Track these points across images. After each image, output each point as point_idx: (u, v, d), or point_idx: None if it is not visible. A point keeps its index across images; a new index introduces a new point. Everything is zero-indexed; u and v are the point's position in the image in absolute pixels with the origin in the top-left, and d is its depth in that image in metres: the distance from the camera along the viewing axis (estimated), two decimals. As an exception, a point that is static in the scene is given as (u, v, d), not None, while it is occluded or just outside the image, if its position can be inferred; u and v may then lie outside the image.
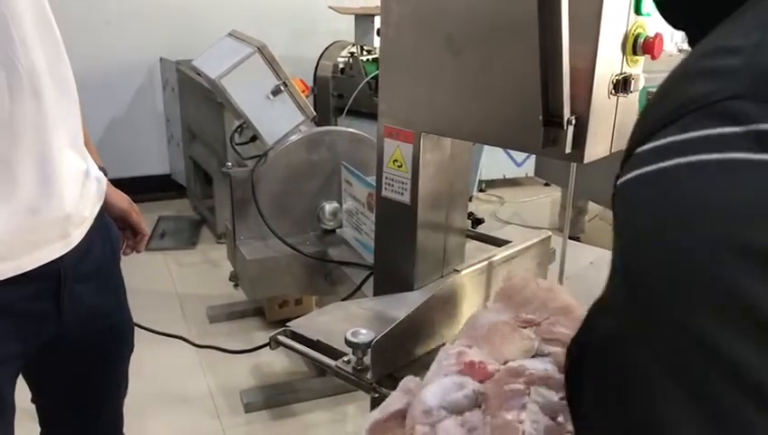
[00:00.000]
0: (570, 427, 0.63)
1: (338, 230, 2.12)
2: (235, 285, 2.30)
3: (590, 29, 0.86)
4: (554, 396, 0.67)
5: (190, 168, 3.60)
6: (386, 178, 1.15)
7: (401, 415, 0.70)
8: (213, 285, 2.87)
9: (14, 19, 0.83)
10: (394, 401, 0.72)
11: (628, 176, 0.38)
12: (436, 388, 0.70)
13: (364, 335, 0.89)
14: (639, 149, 0.37)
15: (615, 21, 0.89)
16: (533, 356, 0.73)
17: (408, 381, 0.74)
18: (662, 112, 0.37)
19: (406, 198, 1.13)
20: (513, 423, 0.63)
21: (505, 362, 0.72)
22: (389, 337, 0.89)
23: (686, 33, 0.52)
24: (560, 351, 0.72)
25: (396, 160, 1.13)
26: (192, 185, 3.64)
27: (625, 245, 0.38)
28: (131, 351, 1.21)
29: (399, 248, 1.15)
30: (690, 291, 0.33)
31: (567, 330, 0.75)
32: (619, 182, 0.40)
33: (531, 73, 0.87)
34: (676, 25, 0.53)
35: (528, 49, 0.86)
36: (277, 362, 2.34)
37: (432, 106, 1.06)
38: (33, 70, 0.86)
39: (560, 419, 0.65)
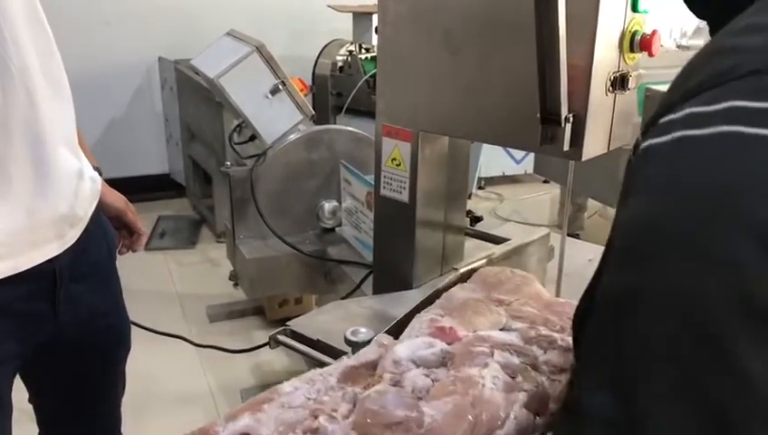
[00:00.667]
0: (526, 386, 0.71)
1: (337, 229, 2.12)
2: (235, 285, 2.30)
3: (586, 26, 0.86)
4: (515, 359, 0.74)
5: (189, 167, 3.60)
6: (384, 176, 1.15)
7: (373, 365, 0.75)
8: (213, 285, 2.87)
9: (7, 19, 0.83)
10: (368, 352, 0.78)
11: (652, 141, 0.39)
12: (407, 344, 0.77)
13: (363, 334, 0.89)
14: (663, 119, 0.39)
15: (612, 18, 0.89)
16: (501, 330, 0.81)
17: (382, 338, 0.79)
18: (688, 85, 0.38)
19: (404, 197, 1.13)
20: (475, 377, 0.70)
21: (474, 332, 0.78)
22: (389, 336, 0.89)
23: (709, 23, 0.54)
24: (526, 327, 0.80)
25: (394, 159, 1.13)
26: (191, 184, 3.64)
27: (638, 201, 0.39)
28: (128, 350, 1.21)
29: (398, 247, 1.16)
30: (696, 261, 0.34)
31: (535, 310, 0.83)
32: (641, 147, 0.41)
33: (528, 71, 0.87)
34: (700, 14, 0.55)
35: (526, 47, 0.86)
36: (277, 362, 2.34)
37: (430, 105, 1.06)
38: (25, 69, 0.86)
39: (518, 378, 0.72)
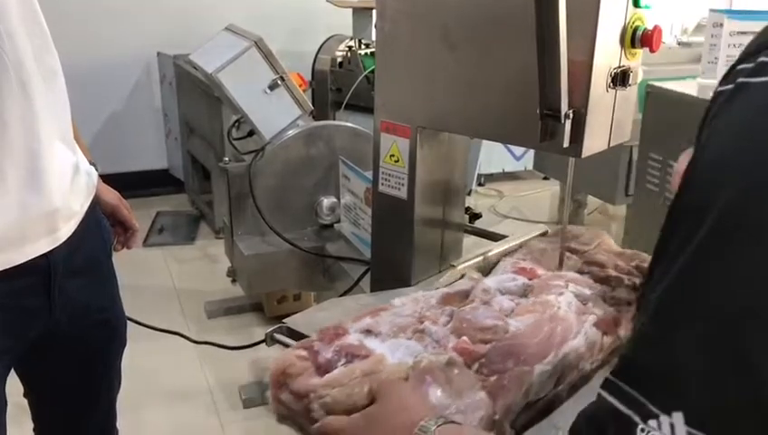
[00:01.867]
0: (596, 311, 0.86)
1: (336, 225, 2.11)
2: (233, 281, 2.29)
3: (587, 21, 0.85)
4: (587, 291, 0.90)
5: (188, 163, 3.59)
6: (382, 173, 1.14)
7: (465, 294, 0.92)
8: (211, 281, 2.86)
9: (1, 13, 0.82)
10: (461, 283, 0.95)
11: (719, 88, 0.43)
12: (494, 278, 0.95)
13: (360, 332, 0.89)
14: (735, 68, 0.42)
15: (613, 13, 0.88)
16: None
17: (472, 273, 0.98)
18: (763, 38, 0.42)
19: (403, 194, 1.12)
20: (552, 302, 0.86)
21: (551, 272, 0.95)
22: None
23: None
24: (597, 269, 0.96)
25: (392, 155, 1.12)
26: (190, 180, 3.63)
27: (717, 132, 0.42)
28: (124, 346, 1.20)
29: (396, 244, 1.15)
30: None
31: (605, 257, 0.99)
32: (718, 90, 0.45)
33: (528, 67, 0.86)
34: None
35: (525, 42, 0.85)
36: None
37: (429, 101, 1.05)
38: (20, 63, 0.85)
39: (589, 304, 0.88)
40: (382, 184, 1.15)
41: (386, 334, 0.80)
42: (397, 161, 1.12)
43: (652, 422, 0.38)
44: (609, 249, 1.03)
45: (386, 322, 0.82)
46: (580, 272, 0.96)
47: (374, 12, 3.20)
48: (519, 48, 0.90)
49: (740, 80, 0.42)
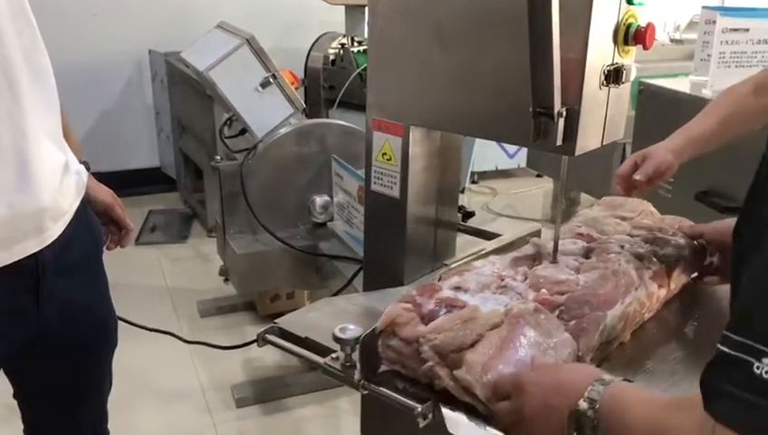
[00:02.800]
0: (651, 266, 0.99)
1: (329, 224, 2.10)
2: (225, 280, 2.28)
3: (580, 19, 0.85)
4: (642, 248, 1.03)
5: (180, 161, 3.57)
6: (375, 171, 1.13)
7: (532, 257, 1.04)
8: (204, 280, 2.85)
9: None
10: (527, 248, 1.07)
11: None
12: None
13: (352, 331, 0.88)
14: None
15: (606, 10, 0.87)
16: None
17: (536, 240, 1.09)
18: None
19: (395, 192, 1.11)
20: (613, 259, 0.98)
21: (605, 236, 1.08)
22: (377, 333, 0.87)
23: None
24: (646, 232, 1.09)
25: (385, 154, 1.11)
26: (182, 178, 3.61)
27: None
28: (115, 345, 1.19)
29: (389, 243, 1.14)
30: None
31: (651, 222, 1.12)
32: None
33: (521, 65, 0.85)
34: None
35: (518, 40, 0.85)
36: (269, 357, 2.33)
37: (421, 98, 1.04)
38: (8, 62, 0.84)
39: (644, 261, 1.00)
40: (375, 182, 1.14)
41: (473, 290, 0.93)
42: (389, 160, 1.11)
43: (765, 360, 0.48)
44: (653, 215, 1.17)
45: (471, 280, 0.95)
46: (630, 236, 1.08)
47: (367, 9, 3.19)
48: (512, 46, 0.89)
49: None
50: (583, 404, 0.63)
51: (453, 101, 1.00)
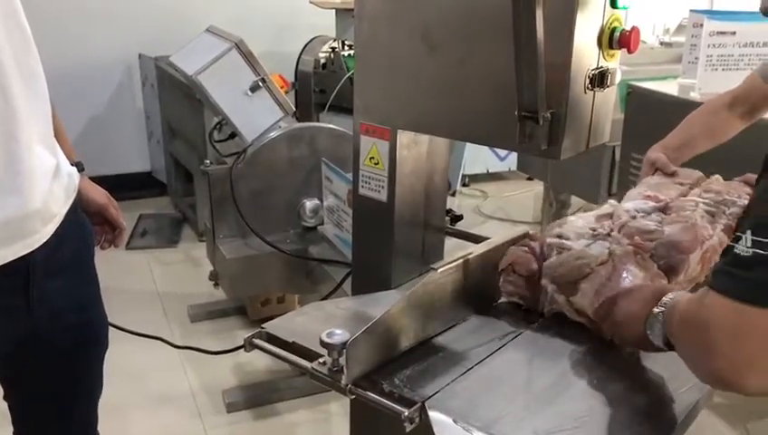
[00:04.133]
0: (722, 221, 1.14)
1: (319, 227, 2.10)
2: (215, 284, 2.28)
3: (565, 23, 0.85)
4: (712, 208, 1.17)
5: (171, 165, 3.56)
6: (362, 175, 1.13)
7: (609, 216, 1.18)
8: (194, 284, 2.84)
9: None
10: (605, 208, 1.22)
11: None
12: (630, 203, 1.21)
13: (339, 336, 0.88)
14: None
15: (590, 14, 0.88)
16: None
17: (611, 201, 1.26)
18: None
19: (383, 196, 1.11)
20: (690, 215, 1.13)
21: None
22: (364, 338, 0.87)
23: None
24: (714, 195, 1.22)
25: (372, 158, 1.11)
26: (173, 182, 3.60)
27: None
28: (106, 348, 1.19)
29: (377, 247, 1.14)
30: None
31: (720, 187, 1.26)
32: None
33: (507, 68, 0.86)
34: None
35: (504, 44, 0.85)
36: (259, 361, 2.32)
37: (408, 102, 1.04)
38: (0, 66, 0.84)
39: (716, 217, 1.15)
40: (362, 186, 1.14)
41: (573, 238, 1.10)
42: (377, 164, 1.11)
43: (740, 242, 0.64)
44: (719, 181, 1.30)
45: (569, 231, 1.13)
46: (701, 197, 1.22)
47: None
48: (498, 50, 0.90)
49: None
50: (656, 310, 0.81)
51: (440, 105, 1.00)
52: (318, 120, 3.27)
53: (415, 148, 1.11)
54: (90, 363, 1.17)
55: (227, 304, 2.61)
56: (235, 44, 2.02)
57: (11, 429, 1.20)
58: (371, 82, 1.08)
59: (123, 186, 3.48)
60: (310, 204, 2.10)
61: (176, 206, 3.64)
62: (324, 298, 1.66)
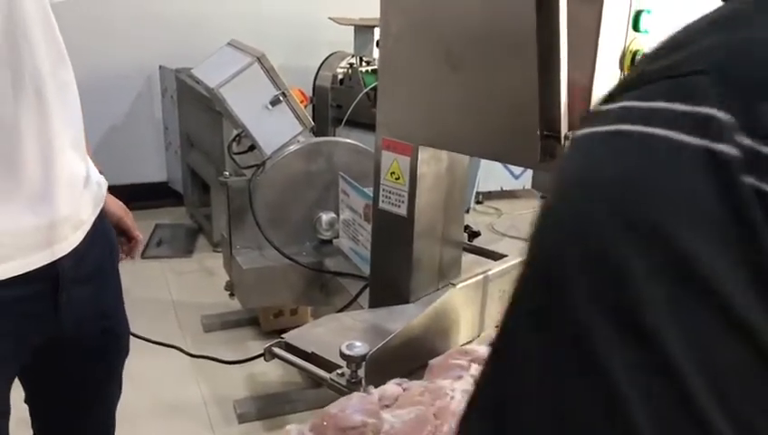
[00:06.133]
0: None
1: (334, 241, 2.11)
2: (231, 295, 2.29)
3: (587, 44, 0.87)
4: None
5: (188, 176, 3.60)
6: (383, 190, 1.15)
7: None
8: (208, 294, 2.85)
9: (21, 23, 0.85)
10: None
11: (576, 133, 0.35)
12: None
13: (359, 348, 0.89)
14: (597, 108, 0.34)
15: (613, 37, 0.89)
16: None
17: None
18: (637, 73, 0.34)
19: (403, 211, 1.13)
20: (445, 389, 0.73)
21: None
22: (384, 350, 0.88)
23: None
24: None
25: (393, 173, 1.13)
26: (189, 193, 3.63)
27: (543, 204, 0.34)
28: (126, 354, 1.21)
29: (395, 260, 1.15)
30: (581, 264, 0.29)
31: None
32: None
33: (529, 88, 0.87)
34: None
35: (526, 64, 0.87)
36: (271, 373, 2.33)
37: (430, 119, 1.06)
38: (37, 73, 0.87)
39: None
40: (383, 201, 1.16)
41: None
42: (397, 179, 1.13)
43: None
44: None
45: None
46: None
47: (376, 30, 3.22)
48: (519, 69, 0.91)
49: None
50: None
51: (461, 122, 1.02)
52: (334, 135, 3.29)
53: (435, 163, 1.13)
54: (111, 369, 1.18)
55: (241, 314, 2.63)
56: (257, 59, 2.05)
57: (30, 432, 1.21)
58: (394, 99, 1.11)
59: (140, 195, 3.53)
60: (326, 217, 2.11)
61: (191, 216, 3.67)
62: (340, 311, 1.67)
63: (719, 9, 0.34)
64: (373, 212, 1.17)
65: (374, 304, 1.20)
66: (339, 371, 0.93)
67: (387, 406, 0.74)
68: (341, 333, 1.04)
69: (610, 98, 0.33)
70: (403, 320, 0.96)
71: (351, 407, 0.73)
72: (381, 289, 1.19)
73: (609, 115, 0.32)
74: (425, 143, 1.08)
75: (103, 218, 1.11)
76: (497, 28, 0.94)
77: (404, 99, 1.09)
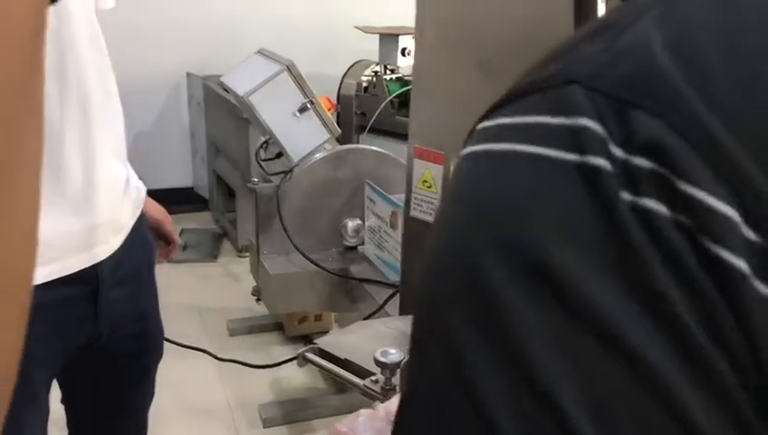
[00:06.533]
0: None
1: (359, 247, 2.13)
2: (258, 300, 2.32)
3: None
4: None
5: (213, 181, 3.64)
6: (415, 198, 1.16)
7: None
8: (233, 299, 2.88)
9: (75, 40, 0.88)
10: None
11: (459, 152, 0.32)
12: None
13: (394, 355, 0.90)
14: (477, 125, 0.32)
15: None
16: None
17: None
18: (513, 87, 0.31)
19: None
20: None
21: None
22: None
23: None
24: None
25: (425, 181, 1.14)
26: (214, 198, 3.68)
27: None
28: (160, 357, 1.23)
29: (427, 268, 1.16)
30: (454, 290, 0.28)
31: None
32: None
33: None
34: None
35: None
36: (296, 377, 2.34)
37: (463, 128, 1.07)
38: (83, 85, 0.91)
39: None
40: (414, 209, 1.17)
41: None
42: (429, 187, 1.14)
43: None
44: None
45: None
46: None
47: (400, 38, 3.24)
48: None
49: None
50: None
51: (495, 132, 1.03)
52: (358, 142, 3.32)
53: (467, 173, 1.14)
54: (146, 371, 1.21)
55: (265, 319, 2.65)
56: (287, 67, 2.08)
57: (65, 432, 1.24)
58: (427, 108, 1.12)
59: (166, 200, 3.54)
60: (352, 224, 2.13)
61: (216, 221, 3.71)
62: (367, 317, 1.68)
63: (604, 15, 0.32)
64: (404, 220, 1.18)
65: (405, 311, 1.21)
66: (373, 377, 0.94)
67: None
68: (374, 340, 1.05)
69: (487, 114, 0.31)
70: (435, 327, 0.97)
71: (361, 425, 0.76)
72: (412, 296, 1.20)
73: (484, 133, 0.30)
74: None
75: (142, 222, 1.13)
76: (535, 38, 0.95)
77: (437, 108, 1.10)
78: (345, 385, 2.18)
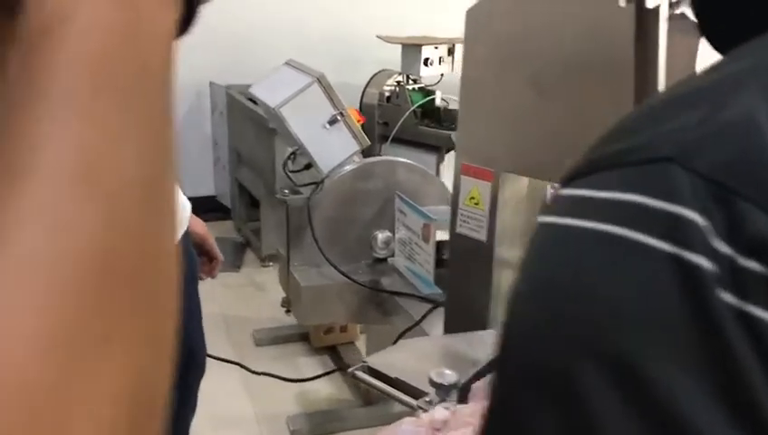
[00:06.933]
0: None
1: (389, 259, 2.12)
2: (287, 311, 2.31)
3: (687, 75, 0.86)
4: None
5: (236, 191, 3.65)
6: (461, 214, 1.15)
7: None
8: (258, 309, 2.88)
9: None
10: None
11: (538, 218, 0.30)
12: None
13: (450, 376, 0.89)
14: (557, 192, 0.30)
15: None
16: None
17: None
18: (595, 156, 0.29)
19: (482, 236, 1.13)
20: None
21: None
22: (476, 380, 0.88)
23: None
24: None
25: (473, 198, 1.13)
26: (237, 207, 3.68)
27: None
28: (203, 373, 1.23)
29: (473, 286, 1.15)
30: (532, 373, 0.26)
31: None
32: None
33: (619, 117, 0.87)
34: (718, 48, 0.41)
35: (618, 91, 0.86)
36: (323, 390, 2.34)
37: (513, 145, 1.06)
38: None
39: None
40: (461, 226, 1.16)
41: None
42: (477, 204, 1.13)
43: None
44: None
45: None
46: None
47: (423, 48, 3.24)
48: (613, 98, 0.91)
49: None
50: None
51: (548, 150, 1.02)
52: (380, 152, 3.32)
53: (515, 189, 1.13)
54: (189, 387, 1.21)
55: (291, 329, 2.65)
56: (317, 79, 2.08)
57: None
58: (476, 125, 1.11)
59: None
60: (382, 236, 2.12)
61: (239, 230, 3.71)
62: (402, 333, 1.66)
63: (693, 79, 0.29)
64: (450, 237, 1.17)
65: (450, 328, 1.20)
66: (426, 398, 0.93)
67: (437, 430, 0.75)
68: (423, 359, 1.04)
69: (569, 180, 0.29)
70: (483, 347, 0.96)
71: (404, 432, 0.75)
72: (458, 314, 1.19)
73: (567, 203, 0.28)
74: (507, 170, 1.09)
75: (186, 238, 1.13)
76: (591, 59, 0.94)
77: (486, 125, 1.09)
78: (372, 398, 2.17)
